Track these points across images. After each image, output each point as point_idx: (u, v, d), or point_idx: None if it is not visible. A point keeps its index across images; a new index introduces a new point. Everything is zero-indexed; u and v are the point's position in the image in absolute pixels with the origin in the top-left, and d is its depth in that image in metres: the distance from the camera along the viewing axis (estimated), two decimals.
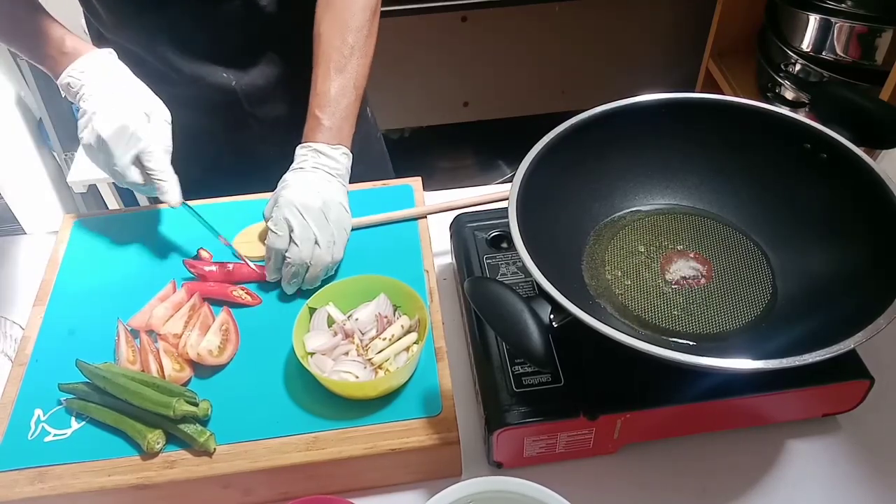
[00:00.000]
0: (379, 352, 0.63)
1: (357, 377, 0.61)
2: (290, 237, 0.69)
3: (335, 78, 0.74)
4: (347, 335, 0.64)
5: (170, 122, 0.72)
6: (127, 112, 0.69)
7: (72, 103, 1.80)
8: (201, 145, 0.90)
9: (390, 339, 0.63)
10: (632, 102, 0.68)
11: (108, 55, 0.73)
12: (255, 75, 0.86)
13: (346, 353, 0.63)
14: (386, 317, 0.65)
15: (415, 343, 0.64)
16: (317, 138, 0.73)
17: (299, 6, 0.80)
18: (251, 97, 0.87)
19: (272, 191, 0.74)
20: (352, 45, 0.75)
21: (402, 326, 0.64)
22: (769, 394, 0.59)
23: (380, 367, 0.62)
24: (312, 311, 0.66)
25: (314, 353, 0.63)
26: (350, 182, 0.75)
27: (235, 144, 0.92)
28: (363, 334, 0.65)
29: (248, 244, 0.76)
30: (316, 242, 0.69)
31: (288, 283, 0.70)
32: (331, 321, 0.66)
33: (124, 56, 0.78)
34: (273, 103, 0.89)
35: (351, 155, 0.75)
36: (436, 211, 0.78)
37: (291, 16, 0.82)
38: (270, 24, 0.83)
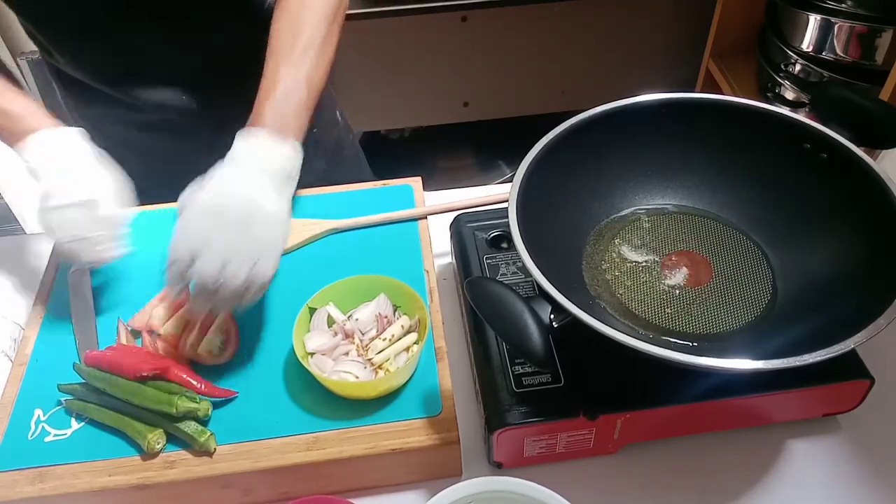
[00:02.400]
0: (379, 352, 0.63)
1: (357, 377, 0.61)
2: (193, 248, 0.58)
3: (285, 72, 0.66)
4: (347, 335, 0.64)
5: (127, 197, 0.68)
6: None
7: None
8: (172, 167, 0.86)
9: (390, 340, 0.63)
10: (632, 102, 0.68)
11: (58, 136, 0.67)
12: (219, 97, 0.83)
13: (346, 353, 0.63)
14: (386, 317, 0.65)
15: (415, 343, 0.64)
16: (260, 127, 0.63)
17: (260, 23, 0.74)
18: (216, 119, 0.81)
19: None
20: (305, 44, 0.67)
21: (402, 326, 0.64)
22: (769, 394, 0.59)
23: (380, 367, 0.62)
24: (312, 311, 0.66)
25: (314, 354, 0.63)
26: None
27: (206, 164, 0.90)
28: (363, 334, 0.65)
29: None
30: (225, 262, 0.57)
31: (195, 300, 0.59)
32: (331, 321, 0.66)
33: (83, 91, 0.76)
34: (240, 123, 0.87)
35: (302, 152, 0.65)
36: (437, 212, 0.78)
37: (253, 33, 0.76)
38: (230, 42, 0.82)
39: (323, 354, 0.63)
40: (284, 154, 0.62)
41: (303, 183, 0.68)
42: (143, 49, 0.79)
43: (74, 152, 0.66)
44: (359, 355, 0.63)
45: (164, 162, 0.83)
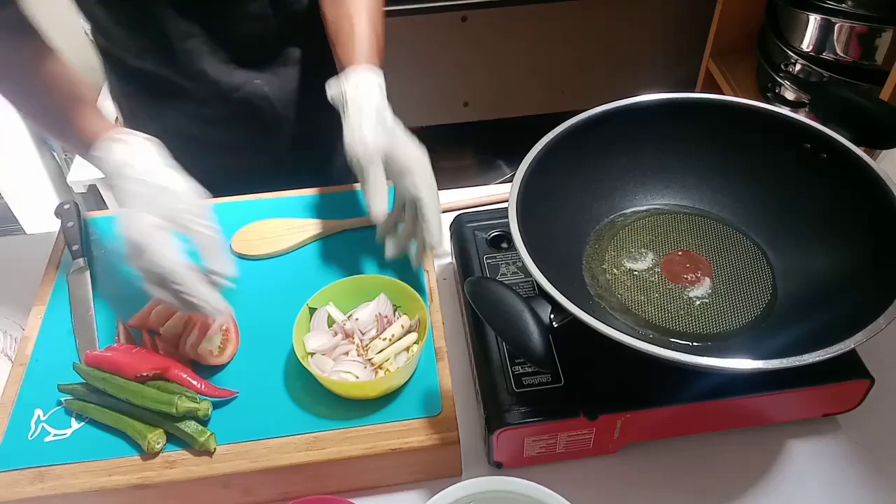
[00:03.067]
0: (379, 352, 0.63)
1: (357, 377, 0.61)
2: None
3: (356, 20, 0.73)
4: (347, 335, 0.64)
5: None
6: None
7: None
8: (224, 156, 0.90)
9: (390, 339, 0.63)
10: (632, 102, 0.68)
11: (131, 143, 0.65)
12: (286, 78, 0.86)
13: (347, 353, 0.63)
14: (386, 317, 0.65)
15: (415, 343, 0.64)
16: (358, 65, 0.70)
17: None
18: (282, 101, 0.87)
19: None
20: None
21: (402, 326, 0.64)
22: (769, 394, 0.59)
23: (380, 367, 0.62)
24: (312, 311, 0.66)
25: (314, 353, 0.63)
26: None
27: (265, 150, 0.91)
28: (363, 334, 0.65)
29: (246, 242, 0.76)
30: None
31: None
32: (331, 321, 0.66)
33: (134, 78, 0.75)
34: (305, 104, 0.88)
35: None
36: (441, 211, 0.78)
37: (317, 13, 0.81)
38: (298, 20, 0.83)
39: (323, 354, 0.63)
40: (381, 82, 0.70)
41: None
42: (216, 27, 0.80)
43: (150, 152, 0.65)
44: (359, 355, 0.63)
45: (215, 152, 0.84)
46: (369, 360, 0.62)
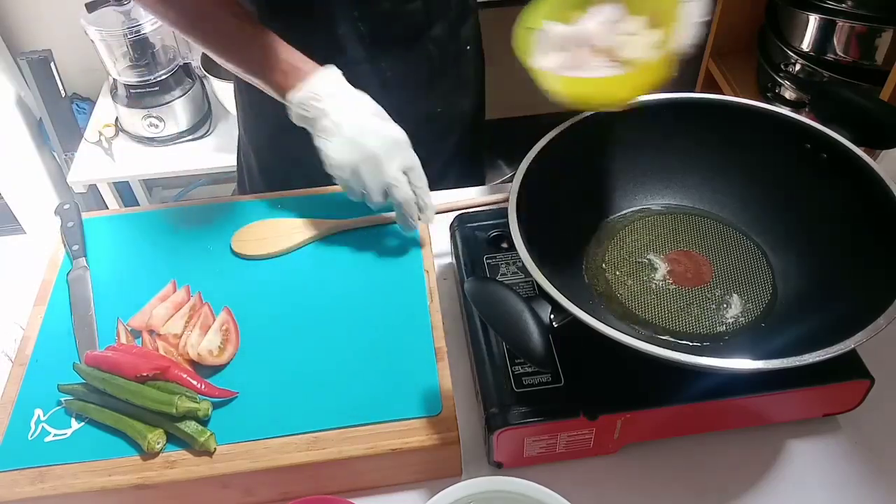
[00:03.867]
0: (631, 47, 0.57)
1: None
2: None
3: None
4: (583, 44, 0.59)
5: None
6: (386, 127, 0.71)
7: (72, 103, 1.80)
8: None
9: (635, 33, 0.58)
10: (631, 102, 0.68)
11: (338, 76, 0.72)
12: (410, 67, 0.87)
13: (590, 63, 0.58)
14: (615, 20, 0.59)
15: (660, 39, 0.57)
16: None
17: None
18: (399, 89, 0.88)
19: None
20: None
21: (638, 22, 0.59)
22: (769, 394, 0.59)
23: (633, 65, 0.57)
24: (530, 31, 0.61)
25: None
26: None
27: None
28: (599, 41, 0.59)
29: (246, 242, 0.76)
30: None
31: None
32: (557, 41, 0.61)
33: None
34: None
35: None
36: (440, 211, 0.78)
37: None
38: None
39: (567, 69, 0.58)
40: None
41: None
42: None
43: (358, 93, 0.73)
44: (605, 60, 0.58)
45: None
46: (623, 59, 0.57)
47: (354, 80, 0.75)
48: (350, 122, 0.70)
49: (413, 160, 0.72)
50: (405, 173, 0.71)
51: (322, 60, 0.74)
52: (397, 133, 0.71)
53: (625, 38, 0.58)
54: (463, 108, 1.00)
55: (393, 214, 0.77)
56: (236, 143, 1.06)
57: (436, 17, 0.86)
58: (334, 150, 0.70)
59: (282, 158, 0.95)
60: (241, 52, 0.74)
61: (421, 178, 0.72)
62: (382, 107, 0.75)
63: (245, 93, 0.94)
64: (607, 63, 0.58)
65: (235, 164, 1.08)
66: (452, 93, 0.96)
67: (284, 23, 0.80)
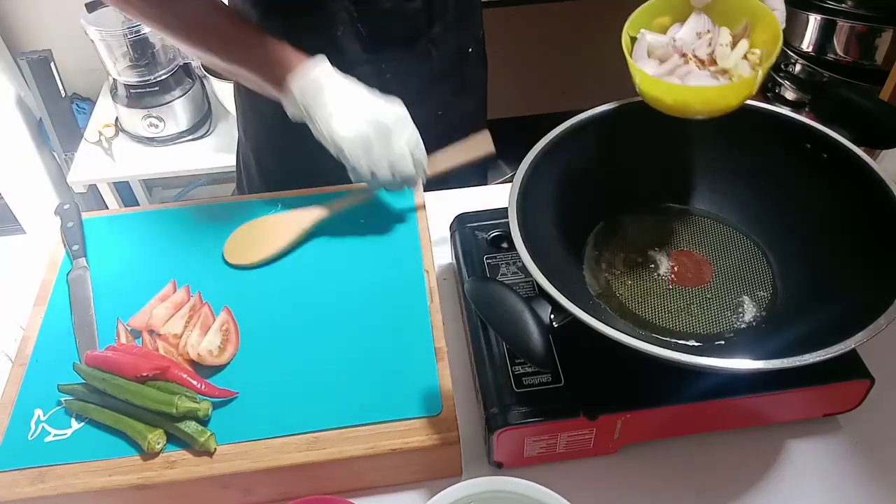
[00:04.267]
0: (729, 57, 0.59)
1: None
2: None
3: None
4: (682, 54, 0.60)
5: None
6: (390, 103, 0.72)
7: (72, 103, 1.80)
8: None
9: (729, 44, 0.59)
10: (632, 102, 0.68)
11: (328, 64, 0.73)
12: (410, 73, 0.88)
13: (689, 72, 0.60)
14: (707, 31, 0.61)
15: (749, 50, 0.60)
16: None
17: None
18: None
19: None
20: None
21: (729, 34, 0.60)
22: (769, 394, 0.59)
23: (730, 76, 0.59)
24: (633, 39, 0.63)
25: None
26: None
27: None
28: (694, 52, 0.60)
29: (239, 250, 0.75)
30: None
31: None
32: (651, 50, 0.63)
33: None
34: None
35: None
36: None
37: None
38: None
39: (668, 76, 0.60)
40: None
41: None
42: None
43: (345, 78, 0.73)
44: (704, 68, 0.59)
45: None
46: (721, 68, 0.58)
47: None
48: (355, 99, 0.71)
49: (417, 134, 0.73)
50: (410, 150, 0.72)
51: None
52: (400, 108, 0.72)
53: (722, 49, 0.60)
54: (465, 111, 0.99)
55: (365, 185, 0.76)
56: (236, 144, 1.06)
57: (437, 17, 0.86)
58: (345, 125, 0.70)
59: (281, 160, 0.95)
60: (233, 51, 0.74)
61: (423, 153, 0.74)
62: None
63: (245, 95, 0.94)
64: (705, 73, 0.60)
65: (235, 164, 1.08)
66: (454, 95, 0.95)
67: (282, 23, 0.80)
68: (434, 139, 0.76)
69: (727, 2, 0.62)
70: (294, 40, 0.73)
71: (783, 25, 0.60)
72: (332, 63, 0.72)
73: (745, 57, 0.61)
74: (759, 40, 0.61)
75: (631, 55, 0.63)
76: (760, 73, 0.58)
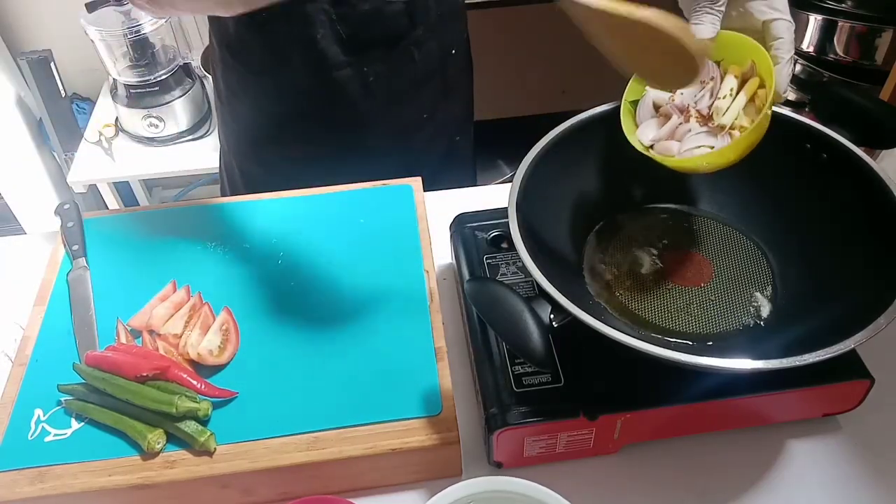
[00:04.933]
0: (725, 112, 0.57)
1: (713, 147, 0.57)
2: None
3: None
4: (682, 111, 0.59)
5: None
6: None
7: (72, 103, 1.80)
8: (304, 142, 0.90)
9: (731, 94, 0.58)
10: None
11: None
12: (392, 72, 0.86)
13: (689, 131, 0.59)
14: (711, 77, 0.59)
15: (759, 87, 0.57)
16: None
17: None
18: (379, 95, 0.86)
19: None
20: None
21: (734, 77, 0.59)
22: (769, 394, 0.59)
23: (731, 128, 0.57)
24: (634, 105, 0.62)
25: (653, 145, 0.60)
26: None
27: (344, 142, 0.90)
28: (695, 104, 0.59)
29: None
30: None
31: None
32: (656, 106, 0.62)
33: (239, 48, 0.76)
34: (396, 108, 0.88)
35: None
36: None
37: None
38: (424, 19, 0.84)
39: (666, 141, 0.59)
40: None
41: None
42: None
43: None
44: (703, 126, 0.58)
45: (297, 140, 0.84)
46: (719, 125, 0.57)
47: (337, 85, 0.73)
48: None
49: None
50: None
51: (302, 63, 0.73)
52: None
53: (720, 102, 0.58)
54: (451, 114, 0.98)
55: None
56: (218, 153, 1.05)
57: (418, 19, 0.85)
58: None
59: (264, 166, 0.94)
60: None
61: None
62: (367, 112, 0.73)
63: (226, 103, 0.93)
64: (705, 131, 0.58)
65: (218, 170, 1.07)
66: (439, 98, 0.94)
67: (260, 24, 0.78)
68: (420, 142, 0.74)
69: (726, 43, 0.60)
70: (273, 43, 0.72)
71: (788, 35, 0.58)
72: (313, 66, 0.70)
73: (751, 100, 0.59)
74: (765, 78, 0.59)
75: (635, 119, 0.62)
76: (758, 120, 0.56)
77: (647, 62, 0.55)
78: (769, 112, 0.57)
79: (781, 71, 0.58)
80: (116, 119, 1.74)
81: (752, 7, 0.59)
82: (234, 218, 0.79)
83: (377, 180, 0.83)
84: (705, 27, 0.58)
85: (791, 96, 1.60)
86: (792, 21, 0.58)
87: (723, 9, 0.58)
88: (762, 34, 0.59)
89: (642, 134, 0.61)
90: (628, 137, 0.60)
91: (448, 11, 0.89)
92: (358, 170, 0.85)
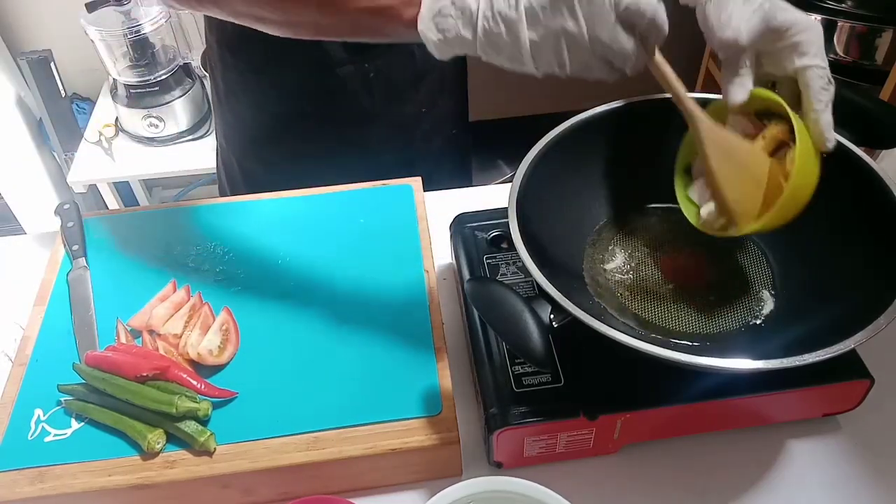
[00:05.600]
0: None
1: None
2: None
3: None
4: None
5: None
6: None
7: (72, 103, 1.80)
8: (304, 141, 0.90)
9: (763, 145, 0.58)
10: (632, 102, 0.68)
11: None
12: (394, 71, 0.86)
13: None
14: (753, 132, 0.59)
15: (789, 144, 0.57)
16: None
17: None
18: (380, 93, 0.86)
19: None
20: None
21: (763, 137, 0.59)
22: (769, 394, 0.59)
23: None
24: (688, 169, 0.64)
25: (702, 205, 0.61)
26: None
27: (344, 140, 0.91)
28: None
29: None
30: None
31: None
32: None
33: (240, 46, 0.75)
34: (398, 105, 0.88)
35: None
36: None
37: None
38: None
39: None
40: None
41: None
42: None
43: None
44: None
45: (296, 140, 0.83)
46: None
47: (339, 81, 0.73)
48: None
49: None
50: None
51: (304, 61, 0.72)
52: None
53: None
54: (447, 109, 0.99)
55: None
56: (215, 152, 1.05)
57: None
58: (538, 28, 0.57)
59: (265, 164, 0.95)
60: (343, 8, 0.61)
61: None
62: (367, 108, 0.72)
63: (224, 102, 0.93)
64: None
65: (216, 169, 1.07)
66: (437, 93, 0.95)
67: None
68: (419, 136, 0.74)
69: (758, 100, 0.60)
70: (274, 40, 0.71)
71: (819, 83, 0.60)
72: (315, 63, 0.69)
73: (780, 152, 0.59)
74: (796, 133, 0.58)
75: (686, 191, 0.63)
76: (807, 167, 0.56)
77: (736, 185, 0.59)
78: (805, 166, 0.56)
79: (819, 120, 0.58)
80: (116, 119, 1.74)
81: (782, 56, 0.59)
82: (234, 218, 0.79)
83: (377, 176, 0.83)
84: (735, 89, 0.58)
85: None
86: (825, 65, 0.59)
87: (749, 70, 0.58)
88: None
89: (694, 194, 0.63)
90: (681, 204, 0.62)
91: None
92: (357, 166, 0.85)
